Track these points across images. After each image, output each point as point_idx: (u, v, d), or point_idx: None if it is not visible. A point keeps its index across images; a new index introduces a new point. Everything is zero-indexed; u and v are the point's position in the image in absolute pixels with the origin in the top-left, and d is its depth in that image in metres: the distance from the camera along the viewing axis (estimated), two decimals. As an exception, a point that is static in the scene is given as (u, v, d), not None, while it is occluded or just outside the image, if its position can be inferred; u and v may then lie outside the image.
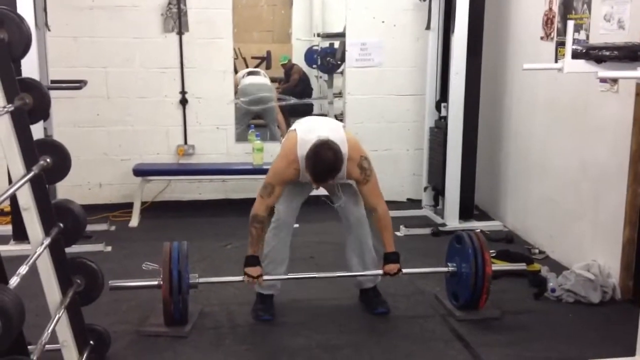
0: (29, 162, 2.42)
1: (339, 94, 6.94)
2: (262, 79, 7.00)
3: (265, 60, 8.06)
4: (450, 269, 3.68)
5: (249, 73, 7.02)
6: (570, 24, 2.89)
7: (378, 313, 3.65)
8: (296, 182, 3.50)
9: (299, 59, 8.07)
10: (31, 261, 2.30)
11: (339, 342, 3.36)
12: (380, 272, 3.57)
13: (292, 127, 3.56)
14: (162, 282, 3.32)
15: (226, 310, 3.72)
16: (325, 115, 7.45)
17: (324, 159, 3.22)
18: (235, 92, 6.22)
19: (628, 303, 3.74)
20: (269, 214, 3.52)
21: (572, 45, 2.89)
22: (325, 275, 3.89)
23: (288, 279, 3.67)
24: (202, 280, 3.52)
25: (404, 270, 3.59)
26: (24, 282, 2.13)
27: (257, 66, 7.72)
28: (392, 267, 3.54)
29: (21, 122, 2.39)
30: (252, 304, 3.68)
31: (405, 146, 6.02)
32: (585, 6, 4.09)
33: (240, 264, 4.03)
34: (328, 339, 3.38)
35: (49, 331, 2.37)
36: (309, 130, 3.39)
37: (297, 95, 7.61)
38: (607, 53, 2.84)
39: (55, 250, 2.56)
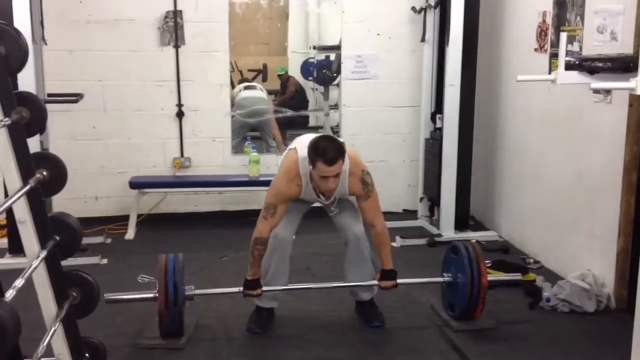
0: (25, 175, 2.42)
1: (335, 106, 6.96)
2: (258, 92, 7.02)
3: (262, 73, 8.09)
4: (446, 279, 3.69)
5: (246, 87, 7.04)
6: (563, 36, 2.92)
7: (373, 327, 3.65)
8: (297, 199, 3.50)
9: (295, 72, 8.10)
10: (27, 274, 2.30)
11: (336, 354, 3.36)
12: (376, 282, 3.60)
13: (291, 146, 3.55)
14: (157, 295, 3.32)
15: (222, 322, 3.72)
16: (322, 127, 7.47)
17: (327, 143, 3.22)
18: (232, 106, 6.25)
19: (622, 312, 3.75)
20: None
21: (565, 56, 2.92)
22: (322, 286, 3.89)
23: (285, 289, 3.67)
24: (198, 292, 3.52)
25: (400, 281, 3.61)
26: (20, 295, 2.13)
27: (253, 79, 7.74)
28: (388, 284, 3.58)
29: (18, 135, 2.40)
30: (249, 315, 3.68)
31: (400, 157, 6.04)
32: (578, 18, 4.13)
33: (237, 275, 4.03)
34: (325, 351, 3.38)
35: (45, 344, 2.37)
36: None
37: (293, 107, 7.64)
38: (600, 64, 2.88)
39: (51, 263, 2.56)
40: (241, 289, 3.52)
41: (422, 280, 3.90)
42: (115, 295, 3.45)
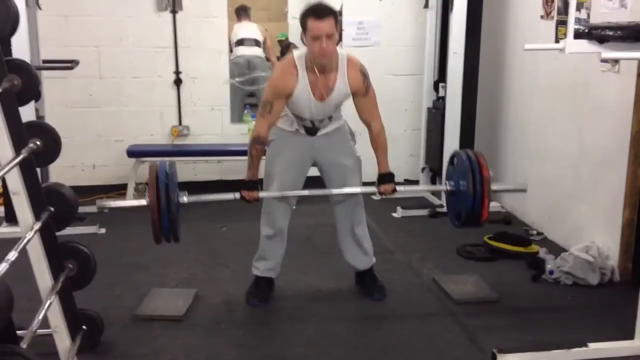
0: (18, 145, 2.36)
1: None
2: (255, 50, 6.86)
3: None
4: (449, 187, 3.48)
5: (242, 41, 6.80)
6: (572, 3, 2.84)
7: (375, 300, 3.59)
8: (292, 132, 3.41)
9: (295, 38, 7.95)
10: (21, 246, 2.25)
11: (336, 327, 3.32)
12: (374, 189, 3.47)
13: None
14: (149, 200, 3.09)
15: (222, 293, 3.68)
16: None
17: (317, 2, 3.22)
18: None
19: (627, 285, 3.71)
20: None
21: (574, 24, 2.84)
22: (317, 193, 3.52)
23: (281, 195, 3.46)
24: (192, 198, 3.30)
25: (399, 188, 3.50)
26: (17, 265, 2.08)
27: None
28: (387, 187, 3.46)
29: (10, 104, 2.33)
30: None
31: (402, 126, 5.96)
32: (586, -16, 4.02)
33: (237, 245, 4.01)
34: (325, 325, 3.34)
35: (40, 317, 2.33)
36: None
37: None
38: (610, 33, 2.79)
39: (46, 235, 2.52)
40: (237, 195, 3.34)
41: (424, 187, 3.73)
42: (107, 202, 3.35)
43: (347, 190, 3.52)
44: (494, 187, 3.38)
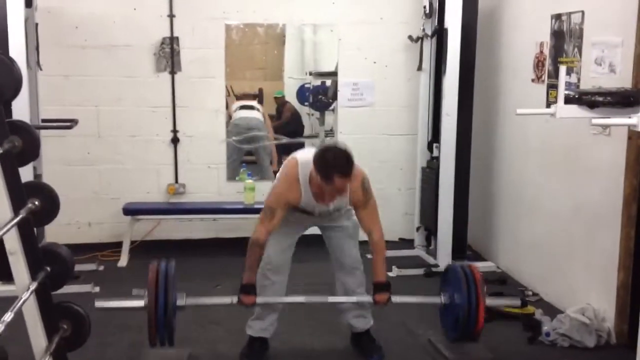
0: (16, 205, 2.38)
1: (330, 131, 6.93)
2: (254, 113, 6.95)
3: (258, 97, 8.07)
4: (443, 300, 3.55)
5: (242, 107, 6.93)
6: (563, 70, 2.92)
7: (372, 360, 3.56)
8: (295, 210, 3.43)
9: (291, 97, 8.09)
10: (17, 307, 2.24)
11: (331, 388, 3.29)
12: (370, 298, 3.47)
13: (291, 156, 3.52)
14: (148, 303, 3.17)
15: (215, 354, 3.64)
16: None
17: (337, 151, 3.20)
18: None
19: (623, 347, 3.69)
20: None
21: (565, 90, 2.91)
22: (316, 300, 3.67)
23: (279, 302, 3.54)
24: (189, 301, 3.36)
25: (394, 299, 3.50)
26: (12, 325, 2.07)
27: (254, 97, 7.64)
28: (383, 297, 3.45)
29: (10, 165, 2.36)
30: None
31: (397, 186, 6.00)
32: (576, 50, 4.13)
33: (232, 304, 3.95)
34: (320, 385, 3.31)
35: (34, 380, 2.31)
36: (308, 153, 3.33)
37: (288, 132, 7.60)
38: (600, 99, 2.86)
39: (42, 295, 2.51)
40: (234, 300, 3.37)
41: (419, 298, 3.80)
42: (105, 304, 3.36)
43: (342, 299, 3.60)
44: (488, 301, 3.45)
